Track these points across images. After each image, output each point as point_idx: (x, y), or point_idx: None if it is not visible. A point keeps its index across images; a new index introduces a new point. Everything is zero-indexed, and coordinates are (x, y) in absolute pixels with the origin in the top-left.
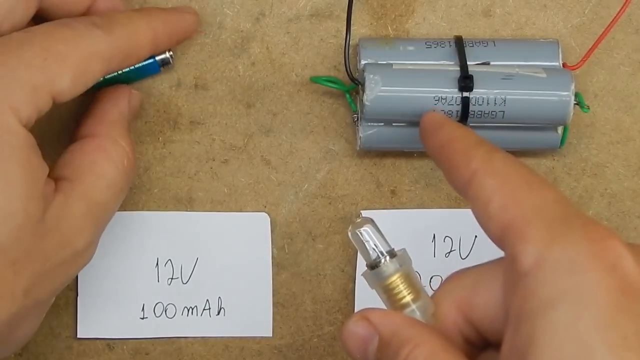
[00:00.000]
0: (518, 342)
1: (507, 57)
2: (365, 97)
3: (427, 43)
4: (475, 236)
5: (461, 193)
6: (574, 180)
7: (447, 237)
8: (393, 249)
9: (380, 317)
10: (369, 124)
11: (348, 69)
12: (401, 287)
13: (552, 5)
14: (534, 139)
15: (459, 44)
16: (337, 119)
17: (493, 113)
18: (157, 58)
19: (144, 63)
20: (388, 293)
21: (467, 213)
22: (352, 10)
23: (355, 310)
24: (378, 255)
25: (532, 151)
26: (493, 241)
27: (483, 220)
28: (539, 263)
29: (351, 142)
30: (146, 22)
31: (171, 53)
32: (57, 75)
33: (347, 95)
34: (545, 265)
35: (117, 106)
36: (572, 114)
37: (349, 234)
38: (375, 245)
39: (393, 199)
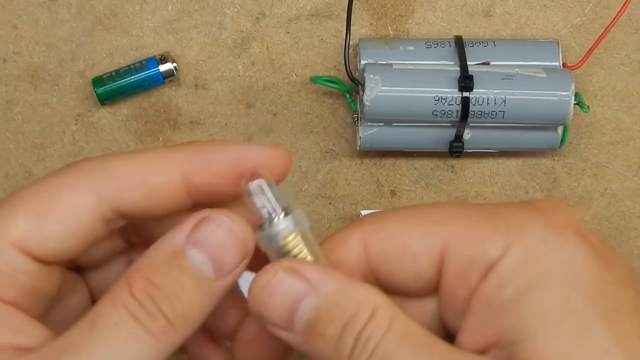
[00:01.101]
0: (500, 330)
1: (507, 57)
2: (365, 97)
3: (427, 43)
4: None
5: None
6: (574, 180)
7: None
8: (287, 207)
9: (318, 272)
10: (369, 124)
11: (348, 69)
12: (297, 250)
13: (552, 5)
14: (534, 139)
15: (459, 44)
16: (337, 119)
17: (493, 113)
18: (162, 70)
19: (149, 75)
20: (282, 257)
21: None
22: (352, 10)
23: None
24: (270, 213)
25: (532, 151)
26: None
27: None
28: (508, 251)
29: (351, 142)
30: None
31: (175, 65)
32: None
33: (347, 95)
34: (516, 251)
35: None
36: (572, 113)
37: (246, 197)
38: (268, 203)
39: (393, 199)
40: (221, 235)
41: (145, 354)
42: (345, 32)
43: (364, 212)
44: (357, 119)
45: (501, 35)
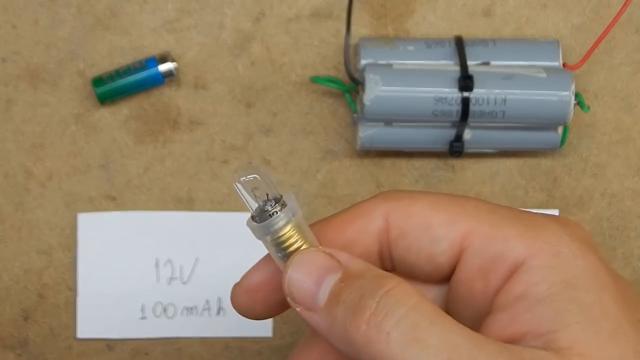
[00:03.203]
0: (534, 321)
1: (507, 57)
2: (365, 97)
3: (427, 43)
4: None
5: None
6: (574, 180)
7: None
8: (281, 197)
9: (348, 256)
10: (369, 124)
11: (348, 69)
12: (294, 238)
13: (552, 5)
14: (534, 139)
15: (459, 43)
16: (337, 119)
17: (493, 113)
18: (162, 70)
19: (149, 75)
20: (279, 245)
21: None
22: (352, 10)
23: None
24: (268, 205)
25: (532, 151)
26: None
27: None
28: (536, 253)
29: (351, 142)
30: None
31: (175, 65)
32: None
33: (347, 95)
34: (544, 253)
35: None
36: (572, 113)
37: (234, 183)
38: (263, 193)
39: None
40: None
41: None
42: (345, 32)
43: None
44: (357, 119)
45: (501, 35)
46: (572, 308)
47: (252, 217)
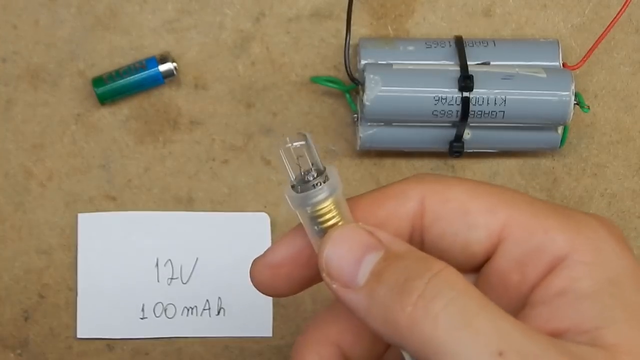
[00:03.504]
0: (578, 317)
1: (507, 57)
2: (365, 97)
3: (427, 43)
4: None
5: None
6: (574, 180)
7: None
8: (325, 169)
9: (389, 235)
10: (369, 124)
11: (348, 69)
12: (332, 213)
13: (552, 5)
14: (534, 139)
15: (459, 44)
16: (337, 119)
17: (493, 113)
18: (162, 70)
19: (149, 75)
20: (316, 218)
21: None
22: (352, 10)
23: None
24: (310, 175)
25: (532, 151)
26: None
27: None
28: (578, 248)
29: (351, 142)
30: None
31: (175, 65)
32: None
33: (347, 95)
34: (587, 249)
35: None
36: (572, 114)
37: (281, 150)
38: (308, 162)
39: None
40: None
41: None
42: (345, 32)
43: None
44: (357, 119)
45: (501, 35)
46: (617, 305)
47: (292, 186)
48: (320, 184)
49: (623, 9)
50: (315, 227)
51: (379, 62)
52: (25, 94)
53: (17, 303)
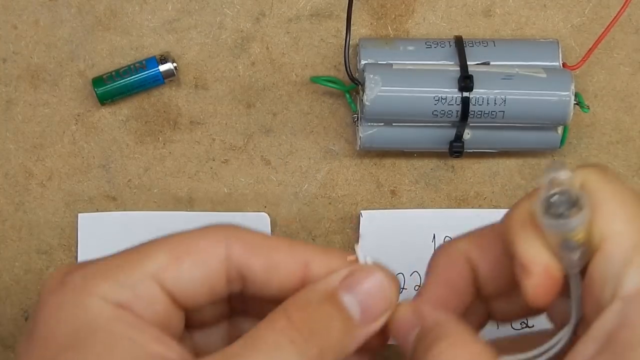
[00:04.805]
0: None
1: (507, 57)
2: (365, 97)
3: (427, 43)
4: None
5: None
6: None
7: (447, 237)
8: (579, 199)
9: (429, 309)
10: (369, 124)
11: (348, 69)
12: (580, 236)
13: (552, 5)
14: (534, 139)
15: (459, 44)
16: (337, 119)
17: (493, 113)
18: (162, 70)
19: (150, 75)
20: (563, 241)
21: (467, 213)
22: (352, 10)
23: None
24: (568, 205)
25: (532, 151)
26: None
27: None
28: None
29: (351, 142)
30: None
31: (175, 65)
32: None
33: (347, 95)
34: None
35: None
36: (572, 114)
37: (545, 178)
38: (566, 191)
39: (393, 199)
40: (372, 285)
41: None
42: (345, 32)
43: (364, 212)
44: (357, 119)
45: (501, 35)
46: None
47: (545, 208)
48: (581, 210)
49: (623, 9)
50: (567, 249)
51: (379, 62)
52: (26, 94)
53: (17, 303)
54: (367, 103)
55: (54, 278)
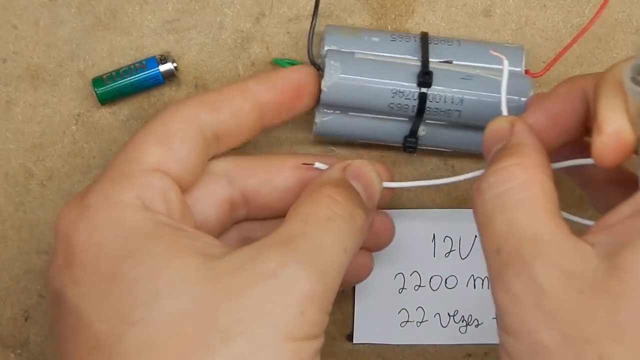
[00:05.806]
0: None
1: (470, 58)
2: (323, 82)
3: (392, 36)
4: (475, 236)
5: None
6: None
7: (447, 237)
8: None
9: (521, 124)
10: (326, 110)
11: (310, 53)
12: None
13: (552, 5)
14: None
15: (424, 40)
16: None
17: (449, 111)
18: (162, 70)
19: (150, 75)
20: None
21: (467, 213)
22: (352, 10)
23: (355, 312)
24: None
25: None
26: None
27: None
28: None
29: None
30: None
31: (175, 65)
32: None
33: None
34: None
35: None
36: None
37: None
38: None
39: (393, 199)
40: (369, 172)
41: (352, 244)
42: (312, 15)
43: None
44: (316, 105)
45: (501, 35)
46: None
47: (634, 74)
48: None
49: (598, 14)
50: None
51: (342, 49)
52: (26, 94)
53: (17, 303)
54: (324, 89)
55: (71, 209)
